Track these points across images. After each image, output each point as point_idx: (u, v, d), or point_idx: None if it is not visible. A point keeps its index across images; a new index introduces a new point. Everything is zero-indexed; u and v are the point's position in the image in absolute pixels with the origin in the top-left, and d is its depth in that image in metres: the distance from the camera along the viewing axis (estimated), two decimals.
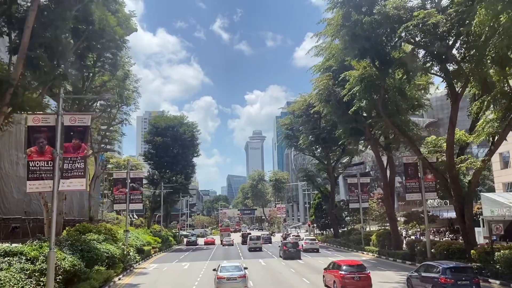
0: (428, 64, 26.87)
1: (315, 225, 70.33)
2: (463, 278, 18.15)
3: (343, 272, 20.77)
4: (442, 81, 28.73)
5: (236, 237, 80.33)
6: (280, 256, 40.95)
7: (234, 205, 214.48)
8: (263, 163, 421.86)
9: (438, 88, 33.53)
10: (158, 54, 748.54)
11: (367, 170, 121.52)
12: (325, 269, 24.17)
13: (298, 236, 71.17)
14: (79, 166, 18.35)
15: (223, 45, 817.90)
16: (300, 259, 38.85)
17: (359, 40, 26.78)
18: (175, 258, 44.03)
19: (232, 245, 63.36)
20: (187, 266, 36.60)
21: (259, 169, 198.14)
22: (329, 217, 63.32)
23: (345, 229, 62.27)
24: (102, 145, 39.92)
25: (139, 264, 38.42)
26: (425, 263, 21.99)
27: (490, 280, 23.62)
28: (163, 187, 61.72)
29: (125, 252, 34.33)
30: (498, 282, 22.95)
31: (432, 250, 31.45)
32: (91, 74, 28.61)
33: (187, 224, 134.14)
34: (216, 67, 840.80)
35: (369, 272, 21.42)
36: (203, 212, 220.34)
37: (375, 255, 40.69)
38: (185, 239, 74.36)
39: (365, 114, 38.67)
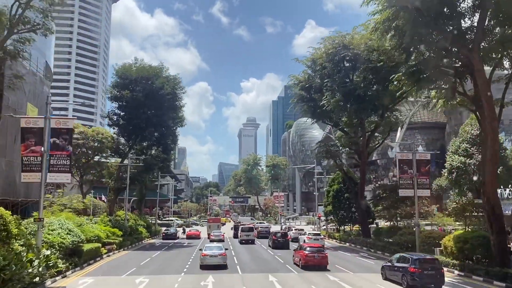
0: None
1: (330, 218, 54.40)
2: (429, 269, 19.94)
3: (306, 252, 26.28)
4: None
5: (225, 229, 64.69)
6: (269, 246, 41.03)
7: (225, 192, 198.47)
8: (257, 151, 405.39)
9: None
10: (155, 37, 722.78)
11: (373, 158, 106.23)
12: (294, 250, 30.10)
13: (302, 230, 55.61)
14: None
15: (222, 29, 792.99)
16: (288, 248, 37.71)
17: None
18: (132, 265, 27.85)
19: (223, 240, 47.33)
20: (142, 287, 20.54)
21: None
22: (353, 208, 47.53)
23: (373, 225, 46.76)
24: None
25: (63, 277, 22.36)
26: (399, 254, 23.04)
27: None
28: (131, 158, 45.36)
29: (24, 260, 18.30)
30: None
31: None
32: None
33: (171, 211, 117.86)
34: (213, 52, 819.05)
35: (327, 253, 26.99)
36: (192, 199, 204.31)
37: (456, 270, 24.97)
38: (163, 229, 58.40)
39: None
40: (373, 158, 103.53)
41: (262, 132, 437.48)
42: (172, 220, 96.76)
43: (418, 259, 20.35)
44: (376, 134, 44.73)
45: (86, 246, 28.11)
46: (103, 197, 70.34)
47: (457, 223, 58.35)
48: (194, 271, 25.22)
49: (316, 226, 68.27)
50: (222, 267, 25.77)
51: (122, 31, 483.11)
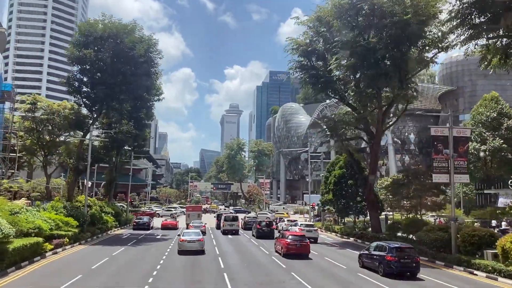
0: None
1: (327, 208, 47.56)
2: (405, 257, 20.16)
3: (288, 240, 26.17)
4: None
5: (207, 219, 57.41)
6: (253, 235, 39.06)
7: (206, 179, 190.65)
8: (239, 138, 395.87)
9: None
10: (138, 20, 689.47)
11: (362, 146, 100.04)
12: (276, 238, 30.44)
13: (296, 220, 48.69)
14: None
15: (207, 15, 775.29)
16: (273, 238, 33.97)
17: None
18: (81, 269, 20.17)
19: (204, 233, 39.88)
20: None
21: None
22: (358, 197, 40.75)
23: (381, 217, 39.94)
24: None
25: None
26: (376, 242, 23.38)
27: None
28: (93, 132, 37.37)
29: None
30: None
31: None
32: None
33: (148, 197, 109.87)
34: (198, 38, 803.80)
35: (308, 241, 26.84)
36: (172, 185, 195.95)
37: None
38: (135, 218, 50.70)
39: None
40: (362, 146, 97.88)
41: (245, 120, 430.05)
42: (175, 208, 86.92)
43: (395, 248, 20.65)
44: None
45: (17, 243, 20.42)
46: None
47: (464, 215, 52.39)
48: (163, 281, 17.80)
49: (311, 217, 61.51)
50: (199, 252, 26.08)
51: (105, 14, 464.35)
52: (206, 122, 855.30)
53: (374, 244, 23.04)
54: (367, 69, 31.14)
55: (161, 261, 23.01)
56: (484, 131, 50.66)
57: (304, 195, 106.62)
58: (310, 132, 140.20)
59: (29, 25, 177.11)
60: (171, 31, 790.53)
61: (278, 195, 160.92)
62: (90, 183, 63.44)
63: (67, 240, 28.55)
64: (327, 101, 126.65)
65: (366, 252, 22.95)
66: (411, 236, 30.14)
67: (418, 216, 33.99)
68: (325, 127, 40.06)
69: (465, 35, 20.90)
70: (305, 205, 76.27)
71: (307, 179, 63.72)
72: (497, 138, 50.13)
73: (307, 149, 71.35)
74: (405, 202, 33.48)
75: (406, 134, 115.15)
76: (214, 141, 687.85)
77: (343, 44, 31.73)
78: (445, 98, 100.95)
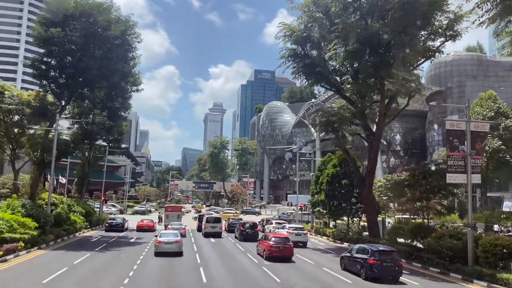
0: None
1: (318, 209, 44.12)
2: (388, 260, 19.68)
3: (271, 243, 24.93)
4: None
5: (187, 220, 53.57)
6: (236, 237, 37.63)
7: (188, 178, 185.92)
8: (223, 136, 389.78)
9: None
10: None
11: (349, 146, 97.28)
12: (258, 240, 29.33)
13: (284, 222, 45.19)
14: None
15: (193, 13, 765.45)
16: (257, 241, 30.65)
17: None
18: (27, 284, 16.23)
19: (184, 235, 36.07)
20: None
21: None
22: (353, 199, 37.53)
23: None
24: None
25: None
26: (359, 245, 22.81)
27: None
28: (63, 123, 33.18)
29: None
30: None
31: None
32: None
33: (126, 195, 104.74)
34: (183, 36, 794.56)
35: (292, 244, 25.66)
36: (153, 183, 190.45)
37: None
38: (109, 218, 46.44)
39: None
40: (349, 146, 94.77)
41: (228, 118, 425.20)
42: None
43: (377, 251, 20.17)
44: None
45: None
46: (61, 179, 57.08)
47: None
48: None
49: (298, 218, 58.07)
50: (177, 254, 24.89)
51: None
52: (190, 121, 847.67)
53: (357, 246, 22.50)
54: (369, 56, 27.83)
55: (131, 273, 19.14)
56: None
57: (288, 195, 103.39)
58: (295, 131, 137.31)
59: (5, 14, 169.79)
60: (156, 28, 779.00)
61: (262, 195, 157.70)
62: (64, 180, 59.04)
63: (22, 244, 24.41)
64: (313, 100, 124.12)
65: (348, 254, 22.30)
66: (415, 243, 27.07)
67: (419, 220, 31.05)
68: (323, 120, 36.41)
69: (497, 9, 17.73)
70: (291, 205, 72.97)
71: (294, 179, 60.34)
72: (496, 138, 47.85)
73: (295, 146, 67.96)
74: (396, 204, 30.38)
75: (392, 135, 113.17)
76: (197, 140, 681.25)
77: (343, 29, 28.29)
78: (433, 99, 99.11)
